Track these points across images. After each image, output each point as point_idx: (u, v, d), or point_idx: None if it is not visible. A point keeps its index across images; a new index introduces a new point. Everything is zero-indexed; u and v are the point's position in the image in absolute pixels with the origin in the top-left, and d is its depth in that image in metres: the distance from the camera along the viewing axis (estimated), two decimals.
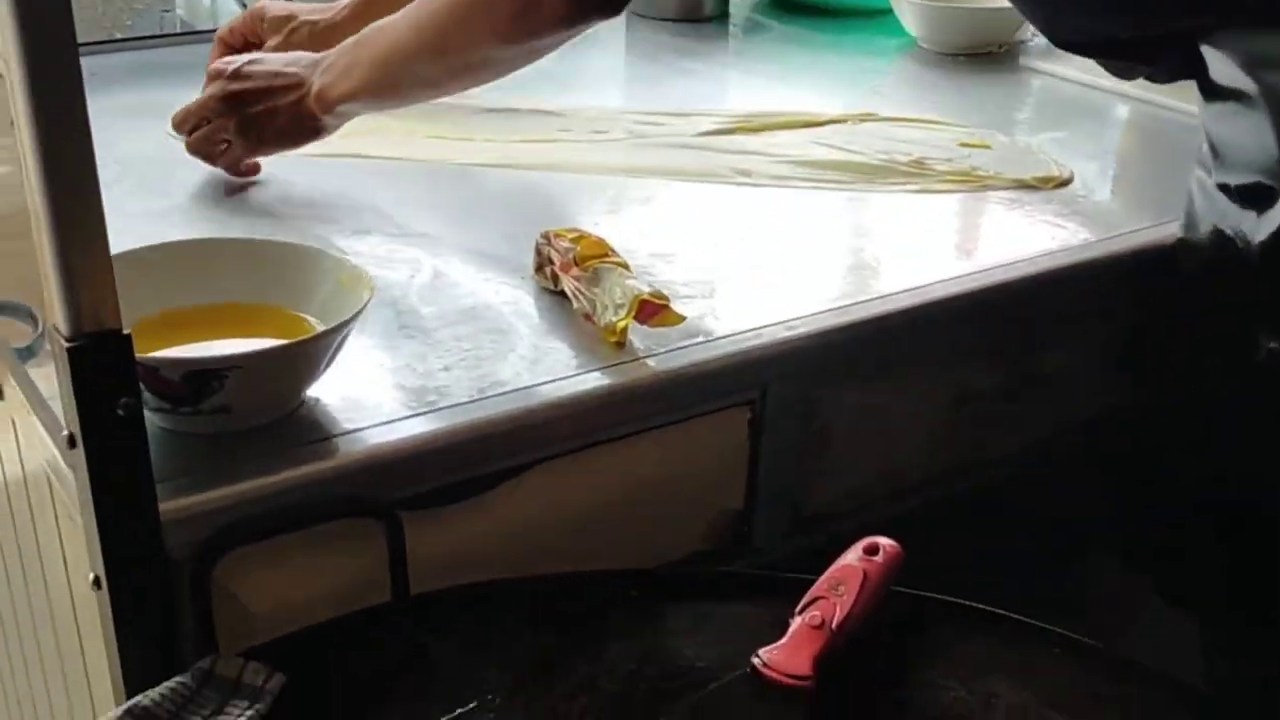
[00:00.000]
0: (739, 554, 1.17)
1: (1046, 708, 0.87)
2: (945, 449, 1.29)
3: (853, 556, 0.94)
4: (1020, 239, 1.34)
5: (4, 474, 1.12)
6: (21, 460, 1.04)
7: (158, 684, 0.84)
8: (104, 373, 0.78)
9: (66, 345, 0.76)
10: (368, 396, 0.99)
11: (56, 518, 0.97)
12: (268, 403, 0.92)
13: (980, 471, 1.33)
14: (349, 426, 0.95)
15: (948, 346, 1.25)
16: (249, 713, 0.83)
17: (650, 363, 1.06)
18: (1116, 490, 1.44)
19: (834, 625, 0.89)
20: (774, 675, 0.86)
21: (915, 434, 1.26)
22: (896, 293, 1.20)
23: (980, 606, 0.94)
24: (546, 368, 1.04)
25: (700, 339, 1.09)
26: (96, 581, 0.84)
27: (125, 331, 0.77)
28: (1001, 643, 0.92)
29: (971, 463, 1.32)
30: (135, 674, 0.85)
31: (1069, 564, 1.49)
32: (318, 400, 0.97)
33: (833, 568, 0.94)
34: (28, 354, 0.98)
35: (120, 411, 0.78)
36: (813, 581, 0.93)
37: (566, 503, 1.04)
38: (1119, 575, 1.53)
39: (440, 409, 0.98)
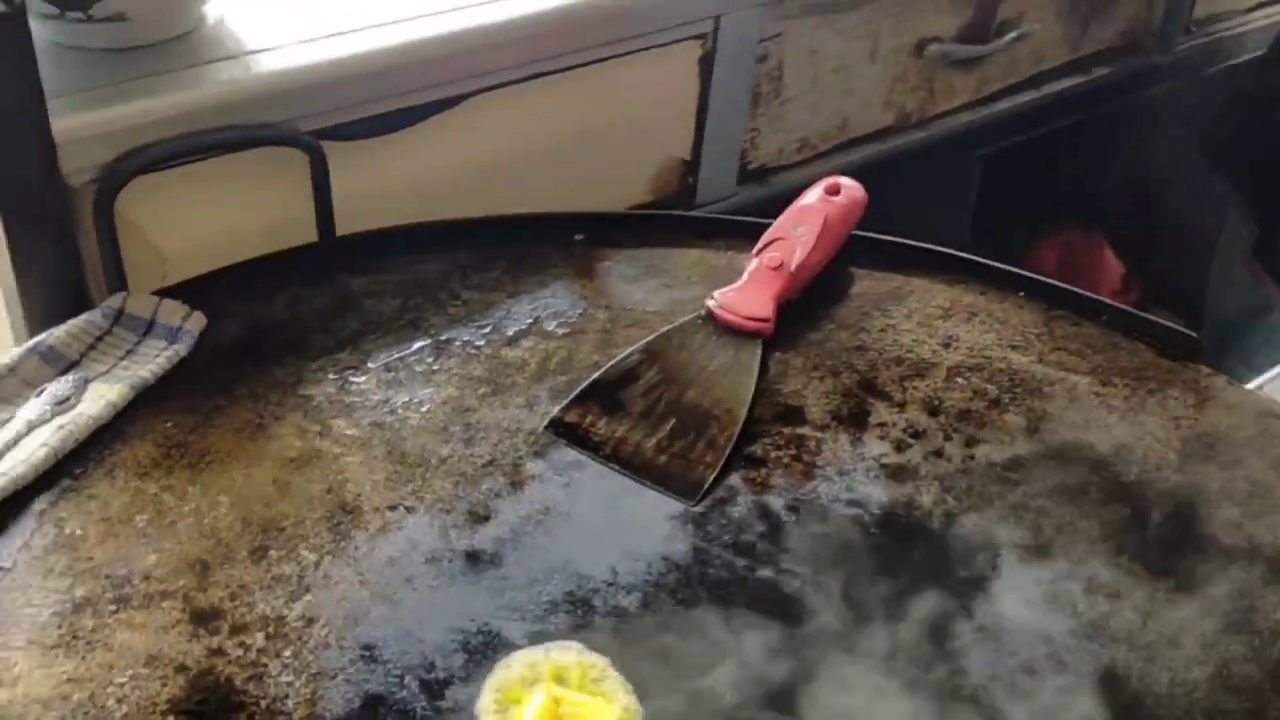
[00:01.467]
0: (684, 207, 1.11)
1: (1008, 348, 0.84)
2: (901, 96, 1.22)
3: (813, 197, 0.89)
4: None
5: None
6: None
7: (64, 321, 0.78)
8: None
9: None
10: (280, 14, 0.89)
11: None
12: (166, 10, 0.81)
13: (936, 122, 1.27)
14: (261, 45, 0.85)
15: None
16: (167, 353, 0.77)
17: None
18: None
19: (793, 266, 0.84)
20: (731, 317, 0.82)
21: (872, 79, 1.19)
22: None
23: (944, 250, 0.90)
24: None
25: None
26: None
27: None
28: (964, 287, 0.89)
29: (929, 114, 1.26)
30: (37, 311, 0.78)
31: (1021, 226, 1.47)
32: (222, 19, 0.87)
33: (792, 208, 0.88)
34: None
35: (2, 6, 0.68)
36: (769, 225, 0.88)
37: (504, 141, 0.96)
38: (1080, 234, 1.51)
39: (363, 29, 0.88)
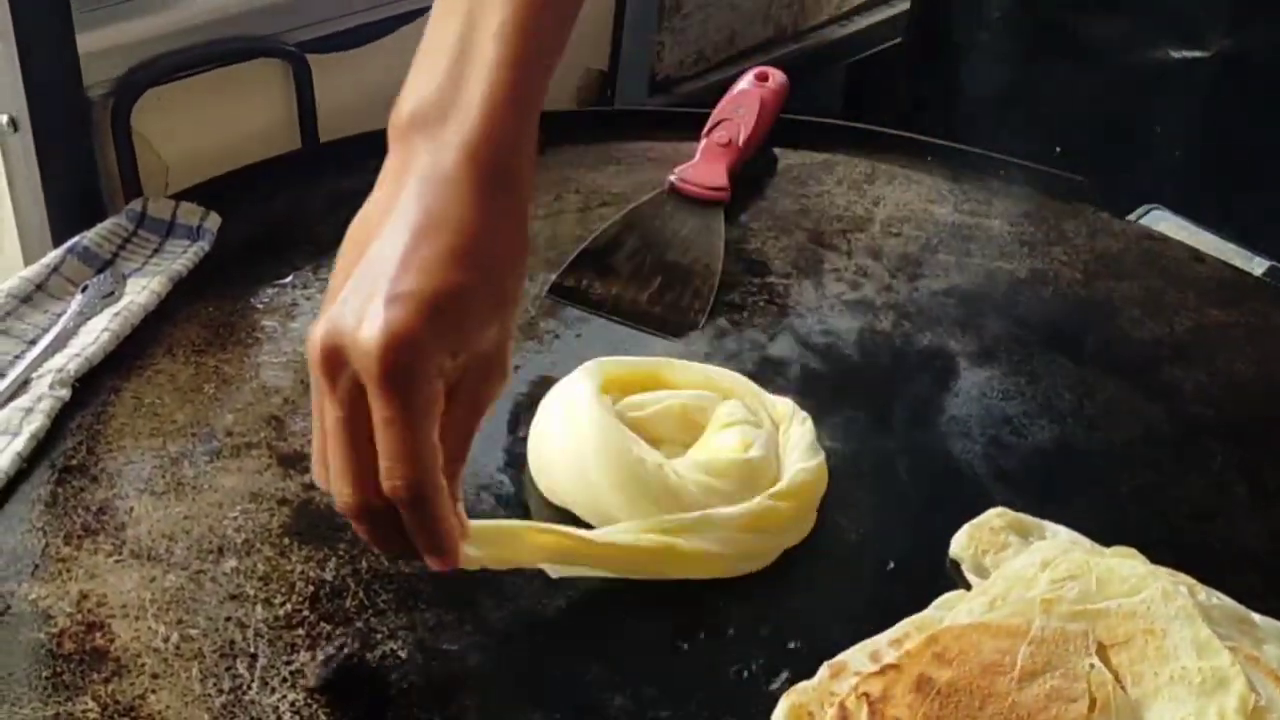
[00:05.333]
0: None
1: (928, 203, 0.97)
2: (778, 12, 1.34)
3: (746, 84, 1.00)
4: None
5: None
6: None
7: (84, 229, 0.83)
8: None
9: None
10: None
11: None
12: None
13: (808, 35, 1.39)
14: None
15: None
16: (193, 249, 0.83)
17: None
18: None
19: (740, 141, 0.95)
20: (693, 189, 0.92)
21: None
22: None
23: (861, 125, 1.03)
24: None
25: None
26: (12, 123, 0.80)
27: None
28: (880, 156, 1.01)
29: (801, 27, 1.38)
30: (60, 218, 0.83)
31: None
32: None
33: (730, 94, 0.99)
34: None
35: None
36: (707, 115, 0.98)
37: None
38: None
39: None
